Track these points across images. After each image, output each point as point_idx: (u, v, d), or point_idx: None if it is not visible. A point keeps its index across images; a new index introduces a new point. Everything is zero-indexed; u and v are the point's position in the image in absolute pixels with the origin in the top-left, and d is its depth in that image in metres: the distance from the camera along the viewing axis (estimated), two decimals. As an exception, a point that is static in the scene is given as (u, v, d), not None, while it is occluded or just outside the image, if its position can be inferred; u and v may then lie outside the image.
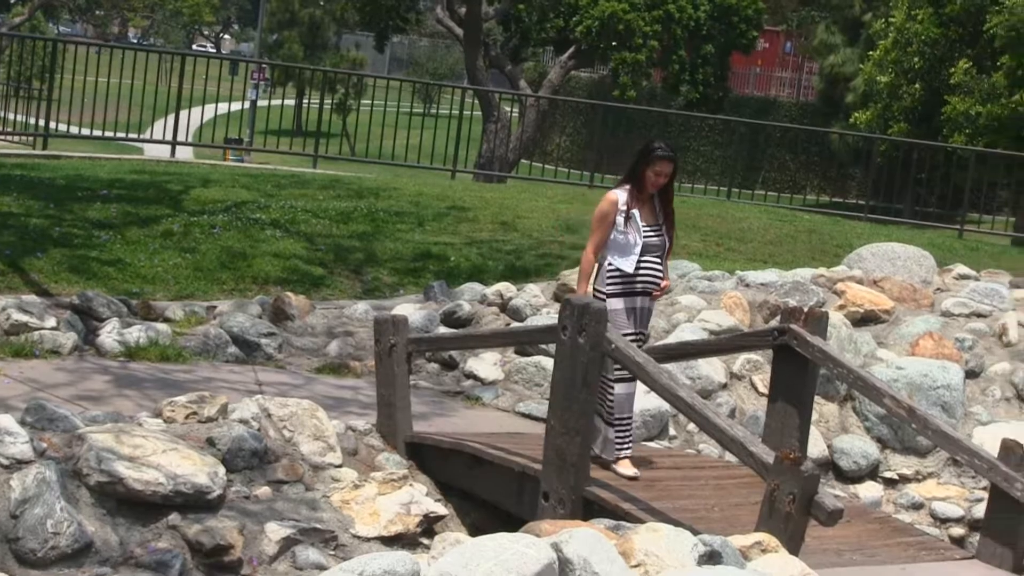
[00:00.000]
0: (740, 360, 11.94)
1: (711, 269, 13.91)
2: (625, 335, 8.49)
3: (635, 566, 6.00)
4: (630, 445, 8.93)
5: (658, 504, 8.12)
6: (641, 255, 8.66)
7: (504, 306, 12.81)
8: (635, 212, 8.67)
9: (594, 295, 8.70)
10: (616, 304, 8.63)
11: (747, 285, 13.07)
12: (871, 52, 35.84)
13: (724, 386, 11.79)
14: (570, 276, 13.35)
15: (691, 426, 10.91)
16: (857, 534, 8.26)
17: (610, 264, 8.71)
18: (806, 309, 9.42)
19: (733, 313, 12.45)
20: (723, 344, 10.79)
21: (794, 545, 6.98)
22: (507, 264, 14.59)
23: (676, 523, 6.94)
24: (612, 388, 8.73)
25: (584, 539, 5.77)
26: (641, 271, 8.68)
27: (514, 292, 12.92)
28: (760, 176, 37.05)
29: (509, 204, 17.79)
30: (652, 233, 8.73)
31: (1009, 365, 12.23)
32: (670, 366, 10.71)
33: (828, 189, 32.58)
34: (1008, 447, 8.13)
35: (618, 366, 8.49)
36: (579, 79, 50.39)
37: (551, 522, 6.63)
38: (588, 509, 8.07)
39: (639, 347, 8.65)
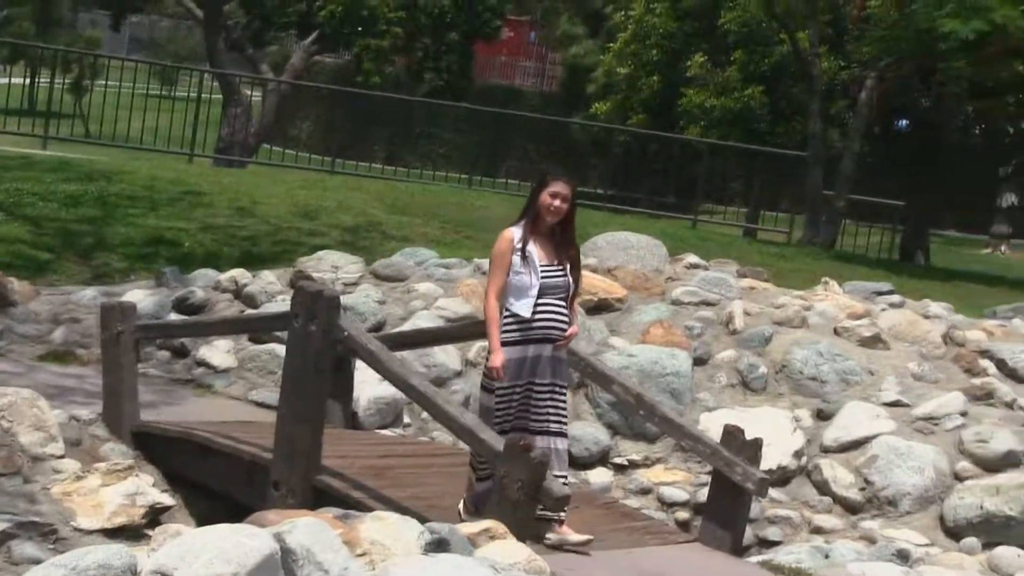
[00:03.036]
0: (476, 347, 11.99)
1: (448, 257, 13.95)
2: (516, 387, 7.70)
3: (360, 555, 5.95)
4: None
5: (389, 492, 8.08)
6: (539, 297, 7.69)
7: (239, 293, 12.60)
8: (531, 250, 7.72)
9: None
10: (510, 354, 7.65)
11: (484, 273, 13.11)
12: (611, 44, 36.60)
13: (459, 373, 11.84)
14: (306, 263, 13.21)
15: (425, 414, 10.91)
16: (585, 519, 8.35)
17: (507, 309, 7.74)
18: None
19: (469, 301, 12.50)
20: (459, 331, 10.85)
21: (522, 531, 7.03)
22: (243, 250, 14.38)
23: (406, 511, 6.93)
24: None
25: (307, 529, 5.69)
26: (539, 316, 7.71)
27: (249, 279, 12.73)
28: (504, 165, 37.36)
29: (247, 189, 17.53)
30: (553, 273, 7.75)
31: (735, 352, 12.56)
32: (406, 353, 10.72)
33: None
34: (730, 432, 8.34)
35: (497, 419, 7.72)
36: (324, 64, 49.87)
37: (277, 512, 6.52)
38: (319, 498, 7.98)
39: (553, 399, 7.83)
